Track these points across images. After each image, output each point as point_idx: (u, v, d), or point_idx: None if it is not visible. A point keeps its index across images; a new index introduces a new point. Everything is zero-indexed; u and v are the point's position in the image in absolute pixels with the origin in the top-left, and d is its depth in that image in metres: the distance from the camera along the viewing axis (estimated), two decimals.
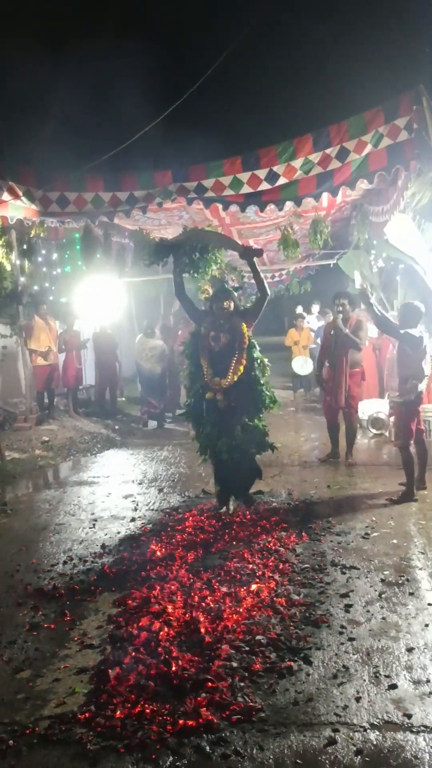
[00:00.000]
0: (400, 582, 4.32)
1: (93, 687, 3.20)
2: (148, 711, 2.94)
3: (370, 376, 9.80)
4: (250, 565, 4.61)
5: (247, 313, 6.02)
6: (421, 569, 4.54)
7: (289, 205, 8.14)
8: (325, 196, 8.07)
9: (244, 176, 7.95)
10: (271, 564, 4.64)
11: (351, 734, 2.75)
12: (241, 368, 5.72)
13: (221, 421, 5.79)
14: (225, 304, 5.87)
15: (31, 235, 9.49)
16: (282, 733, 2.78)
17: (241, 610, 3.91)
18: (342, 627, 3.71)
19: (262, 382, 5.85)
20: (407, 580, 4.35)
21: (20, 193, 8.15)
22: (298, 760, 2.60)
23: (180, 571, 4.56)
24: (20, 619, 4.05)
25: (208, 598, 4.09)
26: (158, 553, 4.92)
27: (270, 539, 5.16)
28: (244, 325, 5.83)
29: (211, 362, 5.78)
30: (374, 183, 7.53)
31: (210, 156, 8.03)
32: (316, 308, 15.33)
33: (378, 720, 2.84)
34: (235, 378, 5.70)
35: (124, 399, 13.67)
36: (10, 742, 2.80)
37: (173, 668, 3.24)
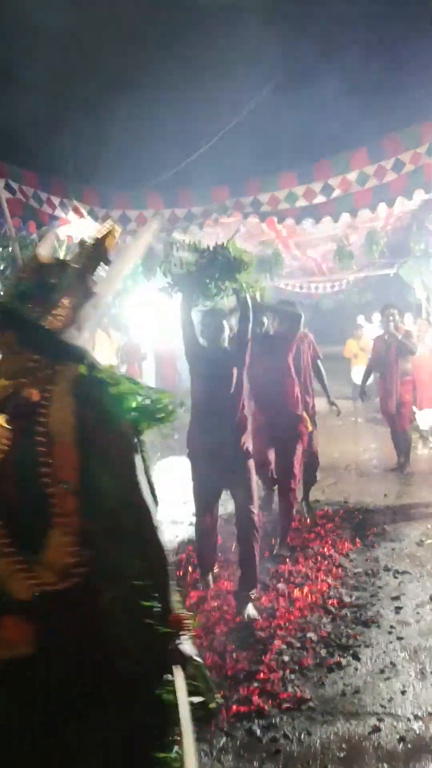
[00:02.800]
0: None
1: None
2: None
3: (430, 385, 9.77)
4: (304, 569, 4.76)
5: None
6: None
7: (345, 216, 8.26)
8: (382, 207, 8.15)
9: (300, 189, 8.12)
10: (324, 568, 4.78)
11: (395, 723, 2.88)
12: None
13: None
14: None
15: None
16: (329, 720, 2.93)
17: (293, 609, 4.07)
18: (391, 627, 3.82)
19: None
20: None
21: (84, 213, 8.56)
22: (343, 745, 2.76)
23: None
24: None
25: (263, 598, 4.26)
26: None
27: (324, 545, 5.29)
28: None
29: None
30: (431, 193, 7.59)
31: (266, 170, 8.25)
32: (377, 317, 15.29)
33: (422, 711, 2.96)
34: None
35: (183, 409, 13.95)
36: None
37: (227, 660, 3.44)
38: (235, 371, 4.23)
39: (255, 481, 4.36)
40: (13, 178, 8.25)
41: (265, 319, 5.08)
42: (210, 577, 4.54)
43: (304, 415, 5.33)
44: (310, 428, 5.35)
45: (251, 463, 4.31)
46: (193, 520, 4.88)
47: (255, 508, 4.26)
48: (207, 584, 4.48)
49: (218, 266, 4.00)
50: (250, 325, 4.23)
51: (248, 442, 4.29)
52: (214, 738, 2.85)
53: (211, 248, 4.06)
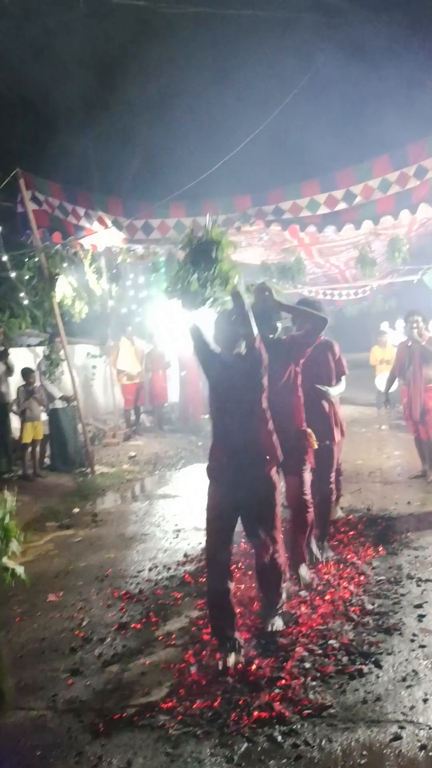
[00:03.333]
0: None
1: (176, 680, 3.46)
2: (225, 702, 3.17)
3: None
4: (327, 576, 4.77)
5: None
6: None
7: (367, 224, 8.27)
8: (405, 214, 8.14)
9: (321, 197, 8.16)
10: (346, 575, 4.78)
11: (416, 731, 2.88)
12: None
13: None
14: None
15: (118, 261, 10.03)
16: (350, 727, 2.94)
17: (315, 617, 4.08)
18: (414, 635, 3.81)
19: None
20: None
21: (109, 223, 8.69)
22: (364, 752, 2.76)
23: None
24: (109, 620, 4.38)
25: (285, 604, 4.28)
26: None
27: (347, 552, 5.29)
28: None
29: None
30: None
31: (289, 179, 8.30)
32: (400, 324, 15.20)
33: None
34: None
35: (207, 416, 14.03)
36: (101, 725, 3.09)
37: (249, 666, 3.47)
38: (256, 381, 3.76)
39: (280, 516, 3.94)
40: (39, 189, 8.42)
41: (279, 324, 4.56)
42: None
43: (309, 430, 4.60)
44: (316, 444, 4.63)
45: (277, 494, 3.86)
46: None
47: (281, 549, 3.92)
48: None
49: (197, 253, 3.68)
50: (251, 327, 3.70)
51: (273, 472, 3.85)
52: (236, 744, 2.87)
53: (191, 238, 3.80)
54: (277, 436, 3.91)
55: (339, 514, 6.22)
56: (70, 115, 9.96)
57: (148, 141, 9.20)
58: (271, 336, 4.40)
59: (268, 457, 3.80)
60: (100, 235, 8.78)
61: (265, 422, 3.83)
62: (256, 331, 3.72)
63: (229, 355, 3.78)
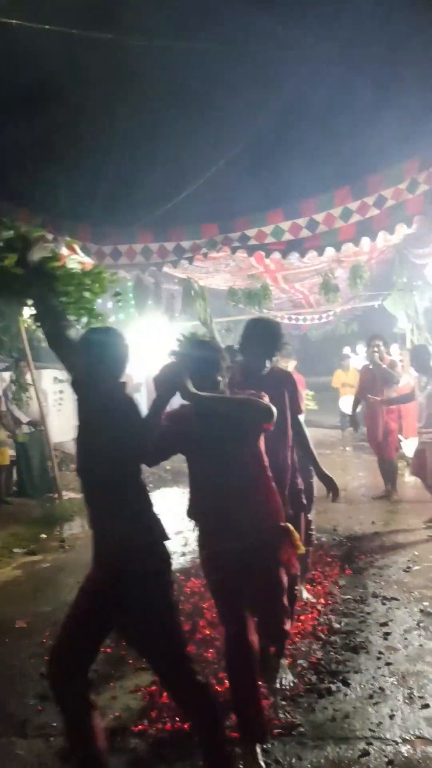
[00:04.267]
0: None
1: (146, 703, 3.48)
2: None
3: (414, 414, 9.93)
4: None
5: None
6: None
7: (329, 251, 8.49)
8: (366, 242, 8.40)
9: (286, 225, 8.36)
10: (314, 595, 4.86)
11: (384, 747, 2.96)
12: None
13: None
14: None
15: None
16: (319, 745, 3.00)
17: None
18: (380, 653, 3.91)
19: None
20: None
21: (77, 249, 8.76)
22: None
23: None
24: None
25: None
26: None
27: (314, 572, 5.37)
28: None
29: None
30: (413, 227, 7.84)
31: (255, 208, 8.48)
32: (361, 348, 15.55)
33: (410, 735, 3.04)
34: None
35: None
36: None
37: (218, 688, 3.50)
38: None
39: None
40: (6, 215, 8.44)
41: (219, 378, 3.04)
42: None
43: (290, 527, 3.12)
44: (302, 549, 3.25)
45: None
46: (185, 550, 4.85)
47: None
48: None
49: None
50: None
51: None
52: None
53: None
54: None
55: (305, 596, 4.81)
56: (36, 141, 10.08)
57: (116, 168, 9.33)
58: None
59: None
60: (69, 261, 8.83)
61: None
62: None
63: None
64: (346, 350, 15.72)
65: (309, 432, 4.11)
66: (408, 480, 9.09)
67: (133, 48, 8.84)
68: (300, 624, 4.30)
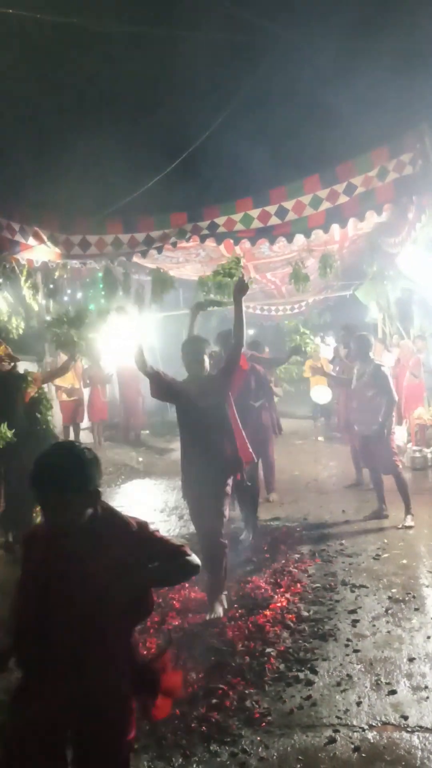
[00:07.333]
0: (406, 599, 4.51)
1: None
2: None
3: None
4: (264, 586, 4.83)
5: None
6: (427, 587, 4.71)
7: (299, 238, 8.46)
8: (336, 229, 8.39)
9: (255, 212, 8.31)
10: (284, 584, 4.85)
11: (350, 734, 2.96)
12: None
13: None
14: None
15: (55, 276, 9.95)
16: (286, 733, 3.00)
17: (253, 626, 4.13)
18: (348, 640, 3.91)
19: None
20: (413, 596, 4.53)
21: (45, 238, 8.62)
22: (299, 757, 2.82)
23: (195, 589, 4.80)
24: None
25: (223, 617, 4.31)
26: None
27: (284, 561, 5.37)
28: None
29: None
30: (383, 215, 7.84)
31: (224, 197, 8.44)
32: (330, 339, 15.65)
33: (376, 721, 3.04)
34: None
35: (148, 432, 14.00)
36: None
37: (187, 677, 3.48)
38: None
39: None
40: None
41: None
42: None
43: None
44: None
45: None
46: None
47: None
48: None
49: None
50: None
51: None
52: (173, 756, 2.88)
53: None
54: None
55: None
56: (2, 127, 9.92)
57: (83, 155, 9.20)
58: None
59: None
60: (36, 250, 8.68)
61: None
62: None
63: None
64: (317, 340, 15.76)
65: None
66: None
67: (99, 35, 8.71)
68: (269, 612, 4.29)
